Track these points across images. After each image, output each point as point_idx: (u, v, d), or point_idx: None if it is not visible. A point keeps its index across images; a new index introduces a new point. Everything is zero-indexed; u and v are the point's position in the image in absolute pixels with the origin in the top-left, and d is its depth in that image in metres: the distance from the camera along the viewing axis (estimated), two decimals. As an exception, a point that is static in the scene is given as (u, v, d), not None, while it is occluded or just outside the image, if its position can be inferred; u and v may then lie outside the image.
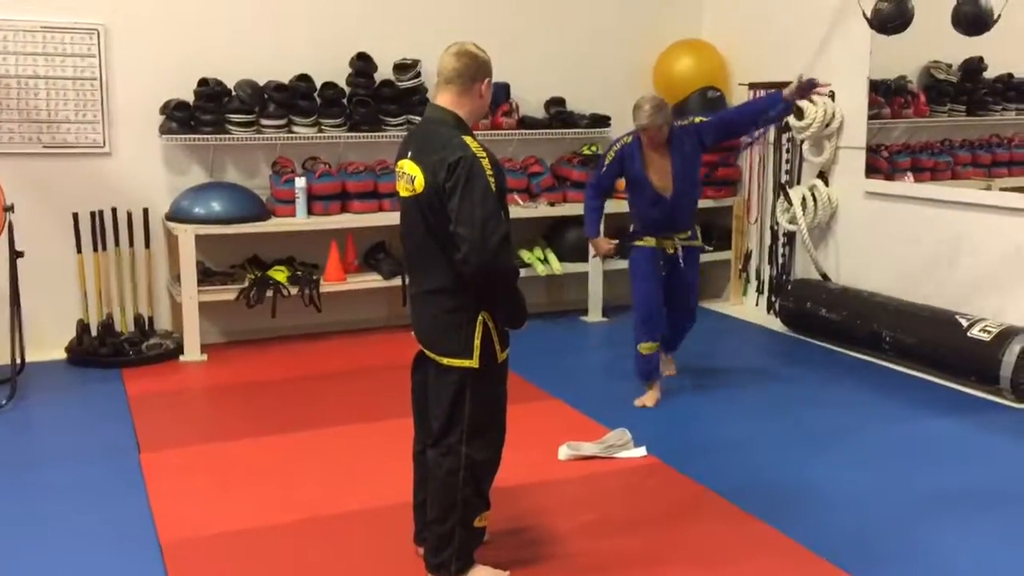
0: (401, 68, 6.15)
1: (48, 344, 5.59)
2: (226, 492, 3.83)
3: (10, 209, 4.89)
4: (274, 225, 5.87)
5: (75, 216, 5.64)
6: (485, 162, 2.83)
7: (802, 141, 6.34)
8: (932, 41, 6.02)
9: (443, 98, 2.99)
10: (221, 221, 5.64)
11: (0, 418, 4.68)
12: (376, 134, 6.13)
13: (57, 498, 3.78)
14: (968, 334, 5.05)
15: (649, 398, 4.87)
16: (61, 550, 3.35)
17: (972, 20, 5.28)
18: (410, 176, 2.92)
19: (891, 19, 5.46)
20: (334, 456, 4.19)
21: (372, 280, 6.07)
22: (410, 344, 3.09)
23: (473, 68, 2.97)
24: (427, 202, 2.87)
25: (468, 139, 2.86)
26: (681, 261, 4.87)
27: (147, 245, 5.86)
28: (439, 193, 2.82)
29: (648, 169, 4.76)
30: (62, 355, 5.60)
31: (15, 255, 5.05)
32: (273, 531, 3.49)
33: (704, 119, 4.85)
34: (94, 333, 5.69)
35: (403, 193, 2.98)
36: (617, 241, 5.18)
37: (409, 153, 2.95)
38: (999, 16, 5.20)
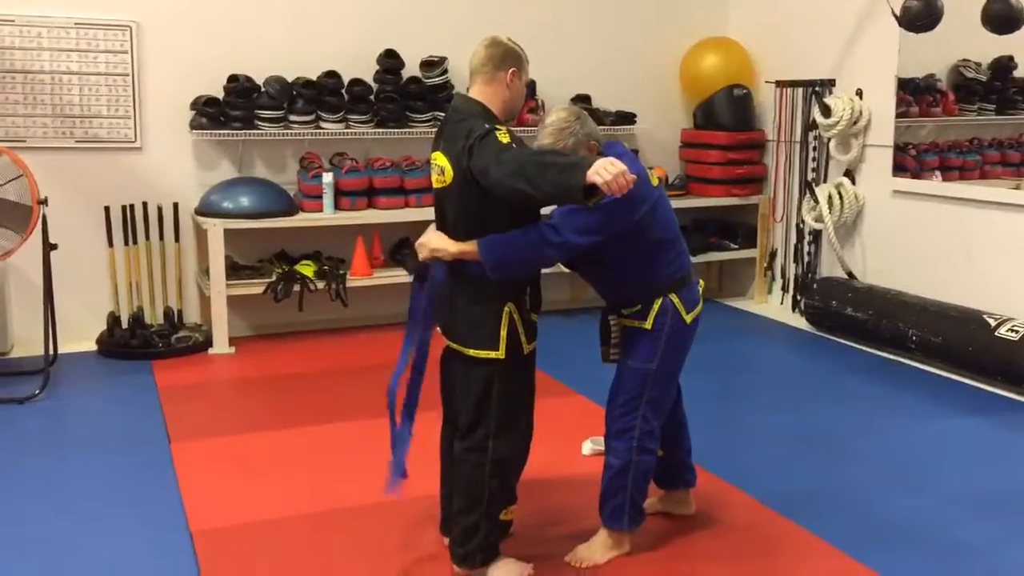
0: (428, 65, 6.19)
1: (80, 336, 5.67)
2: (255, 482, 3.88)
3: (44, 202, 4.96)
4: (301, 220, 5.92)
5: (107, 210, 5.73)
6: (506, 135, 2.84)
7: (829, 139, 6.31)
8: (961, 39, 5.98)
9: (472, 89, 3.03)
10: (249, 216, 5.70)
11: (33, 408, 4.76)
12: (403, 130, 6.17)
13: (89, 487, 3.84)
14: (995, 334, 5.02)
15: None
16: (93, 538, 3.41)
17: (1002, 18, 5.27)
18: (440, 167, 2.95)
19: (920, 17, 5.44)
20: (361, 448, 4.23)
21: (398, 275, 6.11)
22: (435, 338, 3.11)
23: (499, 56, 2.98)
24: (456, 190, 2.90)
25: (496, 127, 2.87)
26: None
27: (177, 239, 5.93)
28: (466, 178, 2.84)
29: None
30: (93, 347, 5.68)
31: (49, 248, 5.12)
32: (301, 521, 3.53)
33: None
34: (125, 325, 5.77)
35: (435, 184, 3.02)
36: None
37: (441, 145, 2.99)
38: (1030, 14, 5.19)
